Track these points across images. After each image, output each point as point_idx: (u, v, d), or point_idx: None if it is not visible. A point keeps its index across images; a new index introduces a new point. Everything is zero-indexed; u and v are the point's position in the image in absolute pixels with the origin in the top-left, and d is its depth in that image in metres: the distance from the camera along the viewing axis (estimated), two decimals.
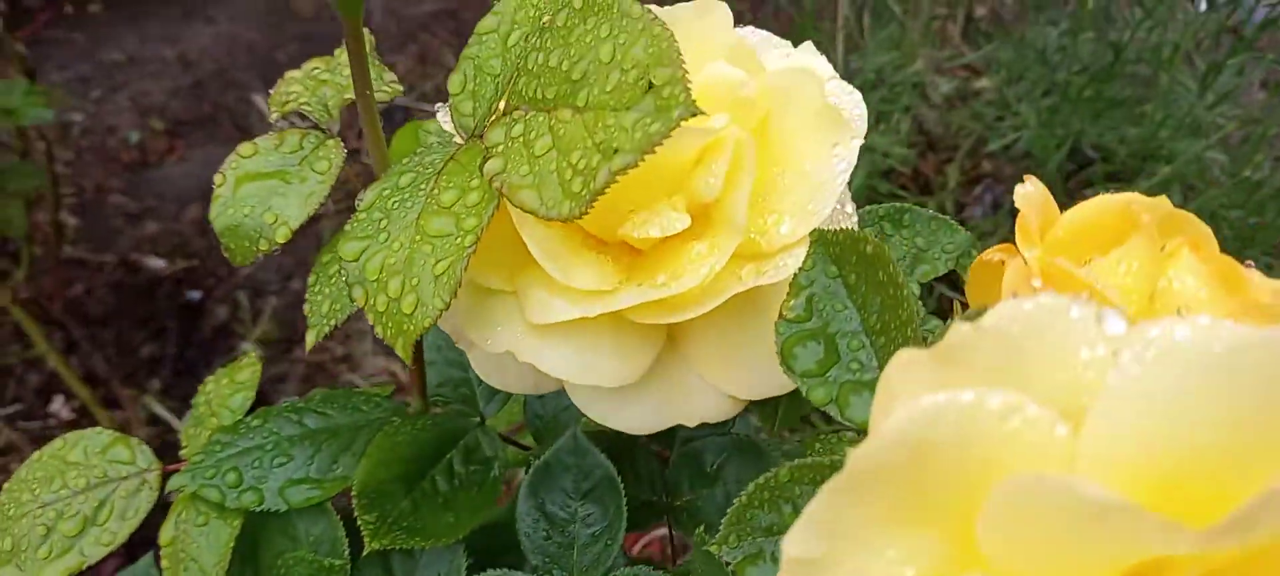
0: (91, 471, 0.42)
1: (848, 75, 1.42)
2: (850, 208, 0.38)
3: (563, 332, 0.32)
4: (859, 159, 0.34)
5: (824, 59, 0.37)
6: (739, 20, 0.37)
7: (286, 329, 1.56)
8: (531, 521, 0.38)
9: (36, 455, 0.43)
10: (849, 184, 0.35)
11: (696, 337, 0.34)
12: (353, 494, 0.39)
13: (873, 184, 1.33)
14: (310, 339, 0.35)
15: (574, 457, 0.39)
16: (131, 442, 0.44)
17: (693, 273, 0.32)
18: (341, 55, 0.43)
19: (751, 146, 0.33)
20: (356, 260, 0.32)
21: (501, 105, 0.32)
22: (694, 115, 0.26)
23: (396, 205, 0.33)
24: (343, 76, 0.42)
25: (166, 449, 0.43)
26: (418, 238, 0.31)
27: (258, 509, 0.40)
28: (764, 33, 0.39)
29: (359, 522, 0.38)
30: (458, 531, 0.40)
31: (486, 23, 0.36)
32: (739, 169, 0.32)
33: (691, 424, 0.35)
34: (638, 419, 0.34)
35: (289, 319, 1.57)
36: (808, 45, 0.39)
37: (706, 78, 0.34)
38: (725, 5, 0.37)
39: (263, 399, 0.43)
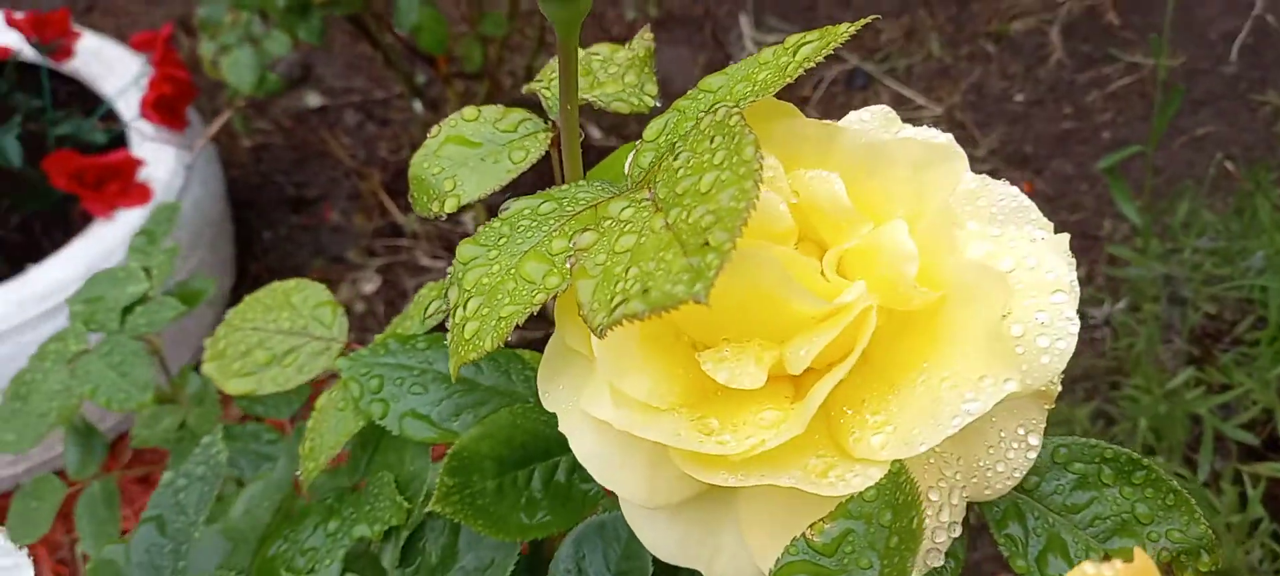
0: (298, 319, 0.49)
1: None
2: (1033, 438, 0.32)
3: (602, 425, 0.30)
4: None
5: (1065, 255, 0.31)
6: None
7: None
8: (565, 569, 0.38)
9: (274, 285, 0.51)
10: None
11: (750, 494, 0.31)
12: (447, 451, 0.41)
13: None
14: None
15: (629, 532, 0.37)
16: (337, 309, 0.49)
17: (743, 437, 0.28)
18: (597, 49, 0.43)
19: (866, 336, 0.28)
20: (465, 263, 0.33)
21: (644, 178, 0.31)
22: (699, 303, 0.23)
23: (523, 228, 0.33)
24: (602, 74, 0.42)
25: None
26: (511, 272, 0.31)
27: (379, 421, 0.43)
28: (1008, 188, 0.33)
29: (438, 480, 0.40)
30: (523, 534, 0.40)
31: (685, 99, 0.34)
32: (838, 355, 0.28)
33: None
34: (657, 541, 0.32)
35: None
36: (1056, 236, 0.32)
37: (877, 239, 0.30)
38: (961, 160, 0.32)
39: None
